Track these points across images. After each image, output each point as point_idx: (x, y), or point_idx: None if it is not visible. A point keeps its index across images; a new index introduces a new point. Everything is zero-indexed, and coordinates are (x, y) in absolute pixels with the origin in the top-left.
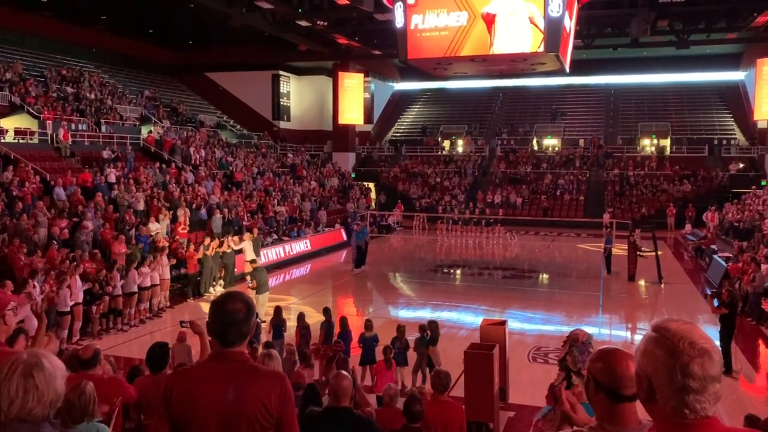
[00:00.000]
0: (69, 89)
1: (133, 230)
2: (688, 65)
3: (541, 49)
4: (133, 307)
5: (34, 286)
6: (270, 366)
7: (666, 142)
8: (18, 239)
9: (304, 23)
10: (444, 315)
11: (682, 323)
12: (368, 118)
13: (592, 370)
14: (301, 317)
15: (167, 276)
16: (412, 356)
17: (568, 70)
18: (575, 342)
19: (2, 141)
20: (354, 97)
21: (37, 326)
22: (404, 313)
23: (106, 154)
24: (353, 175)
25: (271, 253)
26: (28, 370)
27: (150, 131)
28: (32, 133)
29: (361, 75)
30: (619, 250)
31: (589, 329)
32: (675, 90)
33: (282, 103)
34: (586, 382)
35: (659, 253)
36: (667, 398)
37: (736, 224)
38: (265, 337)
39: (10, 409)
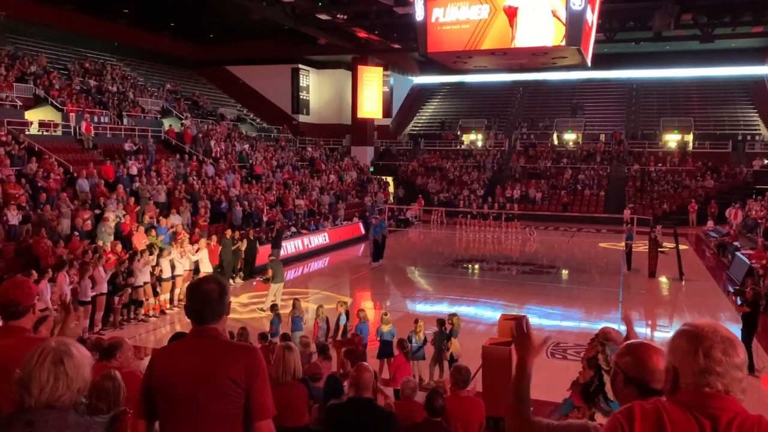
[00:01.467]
0: (92, 82)
1: (154, 222)
2: (712, 59)
3: (563, 42)
4: (152, 297)
5: (65, 276)
6: (289, 358)
7: (689, 138)
8: (43, 230)
9: (323, 17)
10: (462, 310)
11: (708, 320)
12: (387, 112)
13: (620, 364)
14: (319, 310)
15: (189, 267)
16: (429, 350)
17: (589, 64)
18: (607, 340)
19: (27, 133)
20: (373, 91)
21: (64, 316)
22: (422, 308)
23: (127, 146)
24: (372, 169)
25: (290, 246)
26: (59, 357)
27: (170, 125)
28: (56, 125)
29: (381, 69)
30: (640, 246)
31: (608, 326)
32: (698, 84)
33: (301, 96)
34: (613, 376)
35: (681, 248)
36: (689, 381)
37: (760, 221)
38: (282, 329)
39: (41, 395)
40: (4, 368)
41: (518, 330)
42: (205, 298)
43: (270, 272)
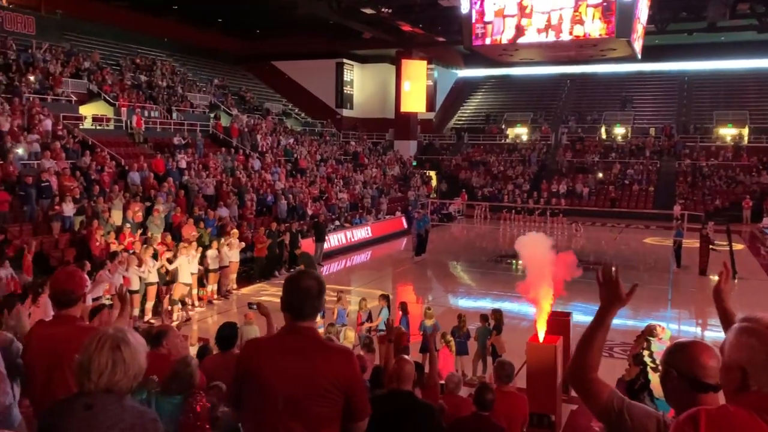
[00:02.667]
0: (142, 77)
1: (203, 214)
2: None
3: (612, 34)
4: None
5: (117, 267)
6: None
7: (744, 132)
8: (96, 221)
9: (368, 11)
10: (505, 305)
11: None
12: (431, 106)
13: (671, 362)
14: (361, 303)
15: (236, 259)
16: (472, 345)
17: (639, 56)
18: (652, 336)
19: (81, 127)
20: (417, 85)
21: (120, 306)
22: (464, 303)
23: (176, 140)
24: (414, 163)
25: (333, 240)
26: (116, 344)
27: (218, 119)
28: (108, 119)
29: (425, 62)
30: (690, 243)
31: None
32: (755, 76)
33: (345, 91)
34: (663, 375)
35: (734, 246)
36: (763, 383)
37: None
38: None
39: (100, 380)
40: (57, 355)
41: (606, 275)
42: (305, 294)
43: (302, 266)
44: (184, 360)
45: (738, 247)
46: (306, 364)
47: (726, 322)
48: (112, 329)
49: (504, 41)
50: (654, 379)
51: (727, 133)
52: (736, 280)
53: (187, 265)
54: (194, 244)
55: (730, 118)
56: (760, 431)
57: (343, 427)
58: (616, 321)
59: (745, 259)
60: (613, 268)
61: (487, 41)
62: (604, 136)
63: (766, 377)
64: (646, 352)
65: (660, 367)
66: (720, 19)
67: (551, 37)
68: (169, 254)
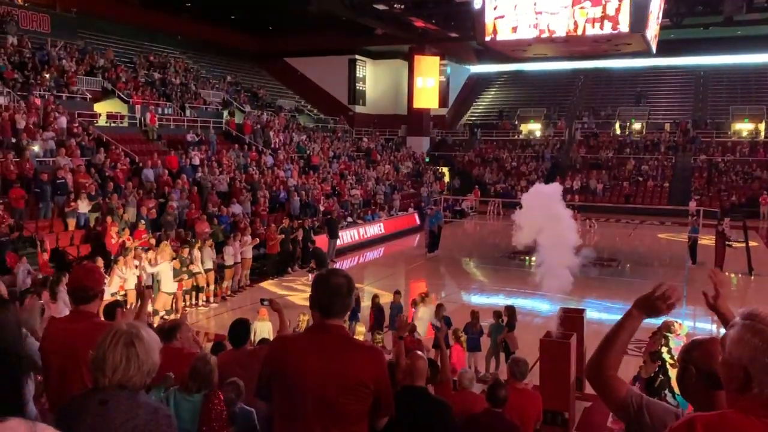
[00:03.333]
0: (156, 75)
1: (216, 211)
2: None
3: (627, 29)
4: (213, 284)
5: (143, 259)
6: None
7: (761, 127)
8: (110, 218)
9: (381, 7)
10: (518, 302)
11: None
12: (443, 102)
13: (690, 359)
14: (374, 299)
15: (249, 255)
16: (485, 342)
17: (654, 50)
18: (671, 333)
19: (96, 124)
20: (429, 81)
21: (140, 303)
22: (477, 299)
23: (190, 137)
24: (427, 159)
25: (346, 236)
26: (130, 339)
27: (232, 116)
28: (122, 117)
29: (437, 58)
30: (706, 239)
31: (670, 319)
32: None
33: (358, 87)
34: (682, 371)
35: (750, 243)
36: (765, 385)
37: None
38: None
39: (114, 375)
40: (74, 351)
41: (668, 294)
42: (335, 292)
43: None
44: (204, 358)
45: (754, 243)
46: (336, 363)
47: (726, 323)
48: (126, 325)
49: (517, 37)
50: (674, 375)
51: (744, 128)
52: (752, 277)
53: (169, 272)
54: (168, 249)
55: (747, 113)
56: None
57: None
58: None
59: (762, 256)
60: (679, 293)
61: (501, 37)
62: (618, 132)
63: (767, 379)
64: (664, 349)
65: (678, 364)
66: (737, 13)
67: (564, 32)
68: (152, 255)
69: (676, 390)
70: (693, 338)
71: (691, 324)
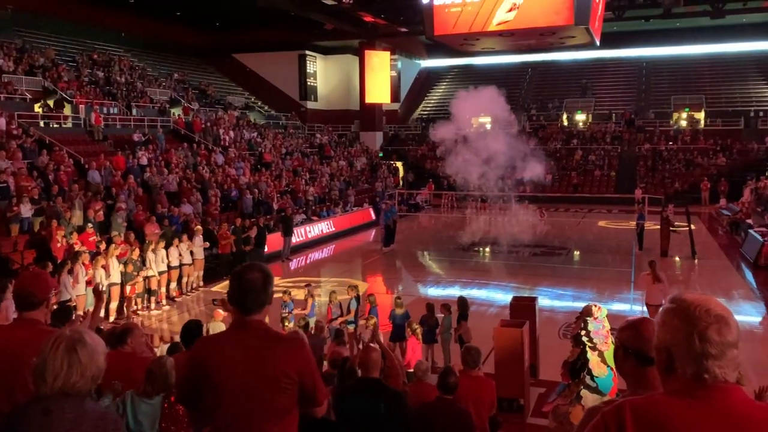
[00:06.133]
0: (100, 73)
1: (166, 211)
2: (723, 35)
3: (571, 22)
4: (164, 286)
5: (81, 267)
6: None
7: (700, 116)
8: (55, 221)
9: (329, 2)
10: (473, 292)
11: (698, 294)
12: (395, 97)
13: (621, 338)
14: (332, 295)
15: (201, 256)
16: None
17: (598, 43)
18: (590, 316)
19: (37, 126)
20: (381, 76)
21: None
22: (433, 291)
23: (137, 137)
24: (381, 154)
25: (301, 233)
26: (72, 345)
27: (179, 114)
28: (65, 117)
29: (388, 53)
30: (652, 225)
31: (620, 306)
32: (710, 61)
33: (309, 83)
34: (615, 351)
35: (693, 227)
36: (686, 366)
37: None
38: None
39: (55, 382)
40: (17, 359)
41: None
42: (249, 286)
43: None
44: (159, 361)
45: (697, 227)
46: (259, 357)
47: None
48: (69, 330)
49: (465, 30)
50: (592, 358)
51: (685, 117)
52: (696, 260)
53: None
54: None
55: (687, 102)
56: (686, 417)
57: (304, 412)
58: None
59: (704, 240)
60: None
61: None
62: (565, 123)
63: (687, 359)
64: (583, 332)
65: (597, 346)
66: (675, 6)
67: (511, 25)
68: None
69: (595, 372)
70: (628, 319)
71: (639, 308)
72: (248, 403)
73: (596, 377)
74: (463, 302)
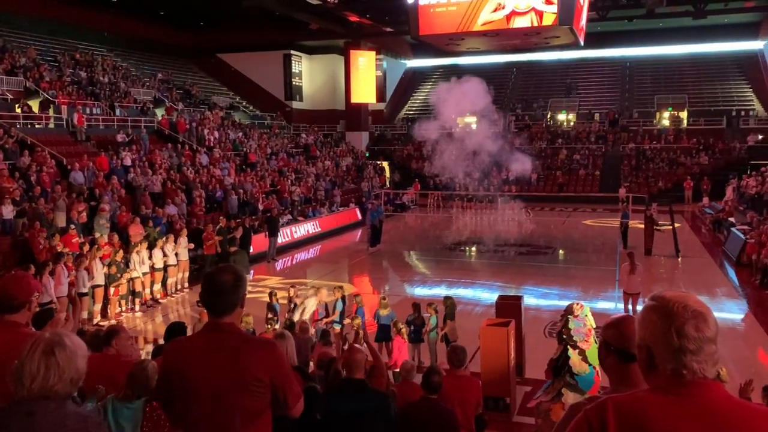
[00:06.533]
0: (82, 73)
1: (150, 212)
2: (705, 36)
3: (555, 22)
4: (148, 287)
5: (63, 269)
6: (283, 345)
7: (683, 115)
8: (38, 223)
9: (314, 1)
10: (460, 292)
11: (677, 292)
12: (381, 97)
13: (604, 336)
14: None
15: (185, 257)
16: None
17: (582, 43)
18: (571, 314)
19: (18, 126)
20: (366, 76)
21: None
22: (420, 291)
23: (120, 137)
24: (367, 154)
25: (287, 234)
26: (50, 348)
27: (163, 114)
28: (48, 117)
29: (373, 53)
30: (636, 224)
31: (605, 304)
32: (692, 61)
33: (294, 83)
34: (599, 348)
35: (676, 225)
36: (665, 362)
37: (756, 196)
38: (283, 317)
39: (32, 385)
40: None
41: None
42: (219, 288)
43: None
44: (140, 364)
45: (679, 225)
46: (229, 360)
47: None
48: (48, 333)
49: (450, 30)
50: (573, 356)
51: (668, 116)
52: (679, 258)
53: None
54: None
55: (670, 102)
56: (666, 414)
57: (279, 415)
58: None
59: (687, 238)
60: None
61: (434, 31)
62: (550, 123)
63: (666, 355)
64: (564, 330)
65: (578, 344)
66: (658, 6)
67: (496, 25)
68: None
69: (575, 370)
70: (612, 316)
71: (623, 306)
72: (217, 406)
73: (576, 375)
74: (449, 301)
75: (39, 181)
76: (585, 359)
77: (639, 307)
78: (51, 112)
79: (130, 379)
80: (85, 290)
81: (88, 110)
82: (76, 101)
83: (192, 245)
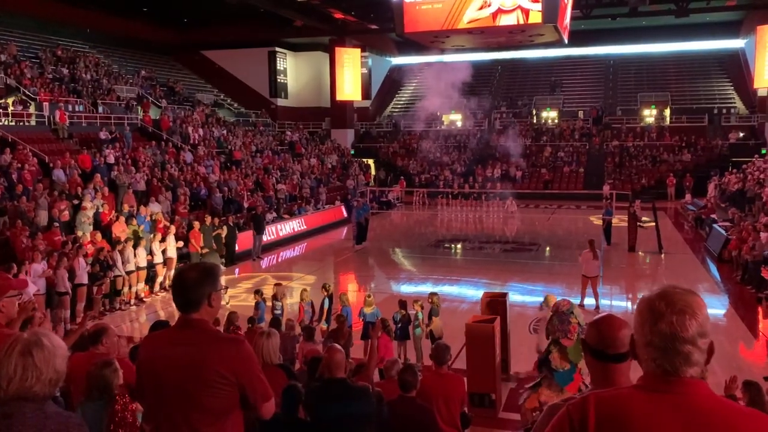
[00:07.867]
0: (64, 70)
1: (134, 210)
2: (687, 34)
3: (540, 20)
4: (135, 286)
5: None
6: (266, 344)
7: (666, 112)
8: (20, 221)
9: None
10: (445, 289)
11: (679, 288)
12: (366, 94)
13: (585, 336)
14: (303, 294)
15: (173, 255)
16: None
17: (566, 41)
18: (556, 311)
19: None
20: (351, 73)
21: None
22: (406, 288)
23: (103, 135)
24: (352, 152)
25: (272, 232)
26: (27, 348)
27: (144, 112)
28: (29, 115)
29: (358, 50)
30: (619, 221)
31: (589, 300)
32: (674, 59)
33: (279, 80)
34: (582, 348)
35: (659, 222)
36: (642, 353)
37: (738, 193)
38: (268, 315)
39: (9, 386)
40: None
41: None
42: (182, 286)
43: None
44: (99, 363)
45: (663, 222)
46: (194, 356)
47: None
48: (27, 333)
49: (435, 28)
50: (554, 351)
51: (651, 114)
52: (662, 255)
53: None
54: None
55: (653, 100)
56: (645, 410)
57: (250, 413)
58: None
59: (670, 234)
60: None
61: (419, 28)
62: (534, 120)
63: (641, 350)
64: (549, 325)
65: (559, 340)
66: (641, 4)
67: (481, 23)
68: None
69: (553, 365)
70: (596, 316)
71: (607, 303)
72: (182, 402)
73: (554, 370)
74: (434, 299)
75: (21, 179)
76: (565, 356)
77: (599, 289)
78: (32, 109)
79: (88, 379)
80: (64, 290)
81: (70, 107)
82: (57, 98)
83: (181, 243)
